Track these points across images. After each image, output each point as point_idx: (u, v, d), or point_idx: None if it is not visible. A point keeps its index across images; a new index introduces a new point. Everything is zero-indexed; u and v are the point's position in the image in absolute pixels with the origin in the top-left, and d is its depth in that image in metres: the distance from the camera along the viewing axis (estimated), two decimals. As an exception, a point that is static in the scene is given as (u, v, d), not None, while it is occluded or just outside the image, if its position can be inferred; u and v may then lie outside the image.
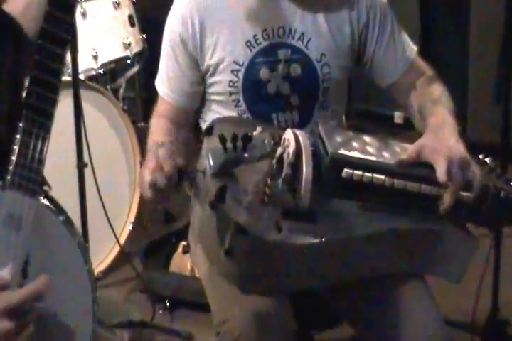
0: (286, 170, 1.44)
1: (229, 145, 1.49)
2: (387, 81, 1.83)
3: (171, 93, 1.82)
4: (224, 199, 1.38)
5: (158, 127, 1.81)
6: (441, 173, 1.46)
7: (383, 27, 1.80)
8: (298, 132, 1.54)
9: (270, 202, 1.41)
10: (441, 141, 1.53)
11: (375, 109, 4.28)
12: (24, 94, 1.25)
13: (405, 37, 1.84)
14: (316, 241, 1.39)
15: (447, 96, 1.74)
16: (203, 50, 1.76)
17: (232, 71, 1.76)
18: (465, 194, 1.49)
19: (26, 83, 1.25)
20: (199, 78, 1.80)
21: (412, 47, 1.84)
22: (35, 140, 1.24)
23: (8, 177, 1.22)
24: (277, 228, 1.37)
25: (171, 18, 1.80)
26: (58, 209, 1.34)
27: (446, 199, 1.47)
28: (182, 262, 2.81)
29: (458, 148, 1.51)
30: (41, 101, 1.24)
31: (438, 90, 1.76)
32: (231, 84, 1.77)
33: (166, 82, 1.83)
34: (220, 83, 1.78)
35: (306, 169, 1.43)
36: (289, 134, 1.52)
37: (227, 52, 1.76)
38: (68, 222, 1.35)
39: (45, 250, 1.29)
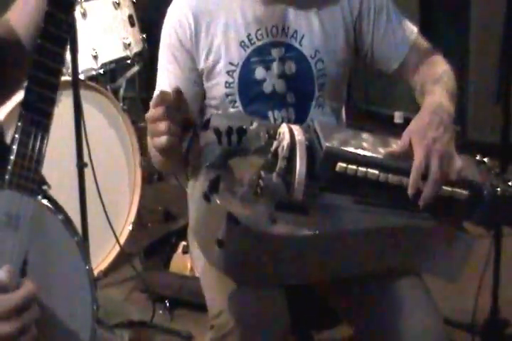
0: (280, 163, 1.45)
1: (224, 138, 1.49)
2: (391, 66, 1.81)
3: None
4: (217, 190, 1.38)
5: None
6: (414, 165, 1.46)
7: (379, 16, 1.79)
8: (293, 126, 1.54)
9: (264, 195, 1.41)
10: (430, 129, 1.51)
11: (375, 109, 4.28)
12: (23, 94, 1.24)
13: (404, 21, 1.82)
14: (309, 233, 1.39)
15: (449, 76, 1.72)
16: (198, 51, 1.77)
17: (227, 72, 1.76)
18: (459, 191, 1.48)
19: (25, 82, 1.25)
20: (200, 78, 1.80)
21: (412, 29, 1.82)
22: (33, 139, 1.23)
23: (7, 177, 1.21)
24: (271, 219, 1.37)
25: (167, 23, 1.79)
26: (57, 208, 1.33)
27: (425, 192, 1.46)
28: (182, 262, 2.82)
29: (442, 140, 1.49)
30: (40, 101, 1.24)
31: (440, 69, 1.74)
32: (227, 85, 1.77)
33: (169, 89, 1.78)
34: (216, 85, 1.78)
35: (300, 163, 1.43)
36: (284, 128, 1.53)
37: (222, 53, 1.76)
38: (67, 221, 1.34)
39: (44, 249, 1.28)
